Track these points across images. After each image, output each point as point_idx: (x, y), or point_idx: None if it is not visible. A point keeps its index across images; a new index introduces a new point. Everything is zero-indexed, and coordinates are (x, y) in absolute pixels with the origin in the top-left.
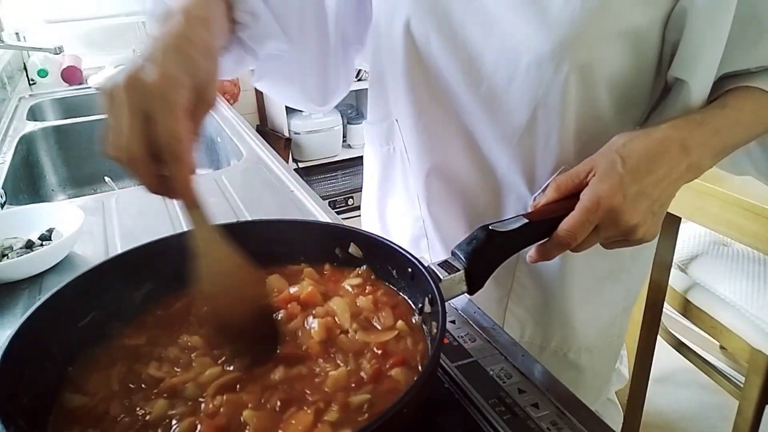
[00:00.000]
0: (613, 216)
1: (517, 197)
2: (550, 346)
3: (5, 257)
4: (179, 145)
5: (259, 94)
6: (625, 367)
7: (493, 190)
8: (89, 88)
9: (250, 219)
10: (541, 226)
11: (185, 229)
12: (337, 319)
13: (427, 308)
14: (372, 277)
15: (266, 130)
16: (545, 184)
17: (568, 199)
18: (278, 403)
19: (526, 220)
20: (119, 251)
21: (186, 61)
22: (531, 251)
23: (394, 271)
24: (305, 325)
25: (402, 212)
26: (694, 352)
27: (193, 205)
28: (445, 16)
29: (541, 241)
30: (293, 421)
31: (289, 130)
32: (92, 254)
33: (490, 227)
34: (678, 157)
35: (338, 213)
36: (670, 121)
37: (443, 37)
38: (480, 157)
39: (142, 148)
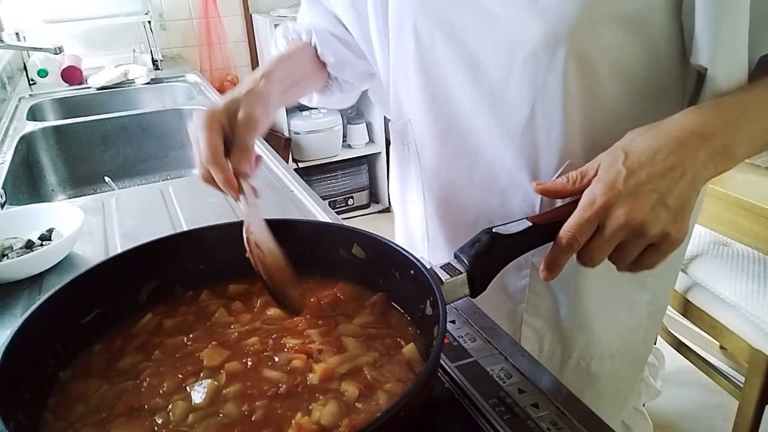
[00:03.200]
0: (613, 213)
1: (523, 197)
2: (573, 357)
3: (5, 257)
4: (247, 145)
5: None
6: (659, 381)
7: (498, 190)
8: (89, 88)
9: None
10: (545, 230)
11: (185, 229)
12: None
13: (429, 310)
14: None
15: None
16: (554, 176)
17: (574, 203)
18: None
19: (530, 224)
20: (119, 251)
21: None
22: (541, 268)
23: (397, 272)
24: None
25: (414, 211)
26: (694, 352)
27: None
28: (446, 16)
29: (548, 252)
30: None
31: (289, 130)
32: (92, 254)
33: (493, 230)
34: (692, 146)
35: (338, 213)
36: (684, 110)
37: (446, 36)
38: (485, 156)
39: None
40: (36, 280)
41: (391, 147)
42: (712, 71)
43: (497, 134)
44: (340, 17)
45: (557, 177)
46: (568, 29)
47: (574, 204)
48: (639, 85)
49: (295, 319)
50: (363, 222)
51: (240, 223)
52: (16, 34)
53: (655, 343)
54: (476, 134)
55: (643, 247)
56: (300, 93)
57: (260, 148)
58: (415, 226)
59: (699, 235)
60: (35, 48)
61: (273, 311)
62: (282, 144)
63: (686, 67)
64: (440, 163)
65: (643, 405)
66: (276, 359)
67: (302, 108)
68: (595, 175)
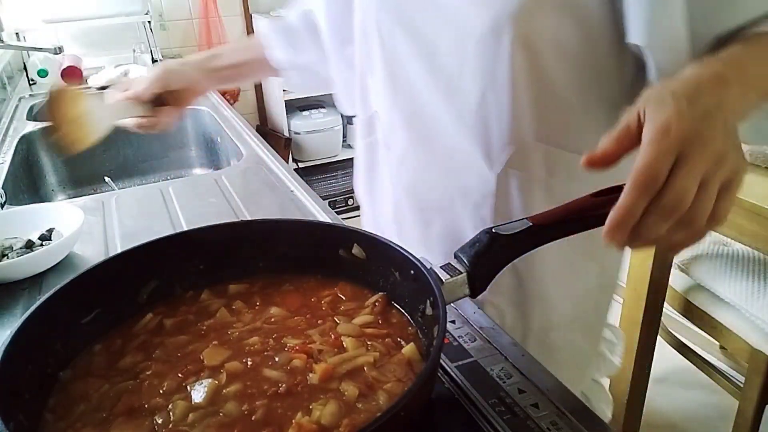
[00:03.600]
0: (691, 139)
1: (478, 177)
2: (533, 330)
3: (5, 257)
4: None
5: (259, 94)
6: (617, 357)
7: (456, 171)
8: (89, 88)
9: (250, 219)
10: (545, 230)
11: (185, 229)
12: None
13: (429, 310)
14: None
15: (266, 130)
16: (502, 162)
17: (573, 203)
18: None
19: (530, 224)
20: (119, 251)
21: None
22: (607, 229)
23: (397, 272)
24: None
25: (382, 197)
26: (694, 352)
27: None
28: (405, 12)
29: (615, 211)
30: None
31: (289, 130)
32: (92, 254)
33: (493, 230)
34: (718, 88)
35: (338, 213)
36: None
37: (405, 29)
38: (444, 140)
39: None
40: (36, 280)
41: (356, 141)
42: (649, 50)
43: (454, 120)
44: (319, 20)
45: (507, 158)
46: (511, 14)
47: (573, 204)
48: (581, 67)
49: (295, 318)
50: None
51: (240, 223)
52: (16, 34)
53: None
54: (436, 121)
55: (720, 183)
56: (245, 77)
57: (260, 148)
58: (384, 212)
59: None
60: (35, 48)
61: (274, 311)
62: (282, 144)
63: (624, 48)
64: (406, 150)
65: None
66: (276, 359)
67: (302, 108)
68: (640, 120)
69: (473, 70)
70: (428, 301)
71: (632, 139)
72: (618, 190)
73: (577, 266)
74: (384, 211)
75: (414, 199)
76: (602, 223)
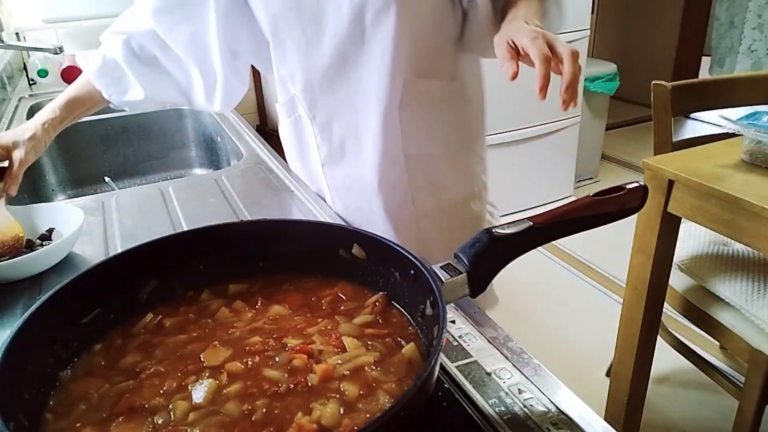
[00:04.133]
0: (540, 33)
1: (386, 112)
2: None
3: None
4: (17, 176)
5: (259, 94)
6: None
7: (367, 114)
8: None
9: (250, 219)
10: (545, 230)
11: (185, 229)
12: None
13: (429, 310)
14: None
15: (266, 130)
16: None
17: (570, 205)
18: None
19: (530, 223)
20: (119, 251)
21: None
22: (540, 88)
23: (397, 272)
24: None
25: (313, 162)
26: (694, 352)
27: None
28: (299, 3)
29: (539, 79)
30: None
31: None
32: (92, 254)
33: (493, 230)
34: (531, 16)
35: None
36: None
37: (295, 14)
38: (356, 90)
39: None
40: (36, 280)
41: (280, 125)
42: (479, 2)
43: (366, 72)
44: (180, 53)
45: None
46: None
47: (573, 204)
48: (435, 21)
49: (296, 318)
50: None
51: (240, 223)
52: (16, 34)
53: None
54: (348, 81)
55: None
56: (88, 113)
57: (260, 148)
58: (317, 176)
59: (699, 235)
60: (35, 48)
61: (274, 311)
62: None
63: (456, 5)
64: (331, 112)
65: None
66: (277, 359)
67: None
68: (517, 40)
69: (371, 34)
70: (428, 301)
71: (518, 52)
72: (618, 189)
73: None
74: (317, 175)
75: (339, 152)
76: (602, 223)
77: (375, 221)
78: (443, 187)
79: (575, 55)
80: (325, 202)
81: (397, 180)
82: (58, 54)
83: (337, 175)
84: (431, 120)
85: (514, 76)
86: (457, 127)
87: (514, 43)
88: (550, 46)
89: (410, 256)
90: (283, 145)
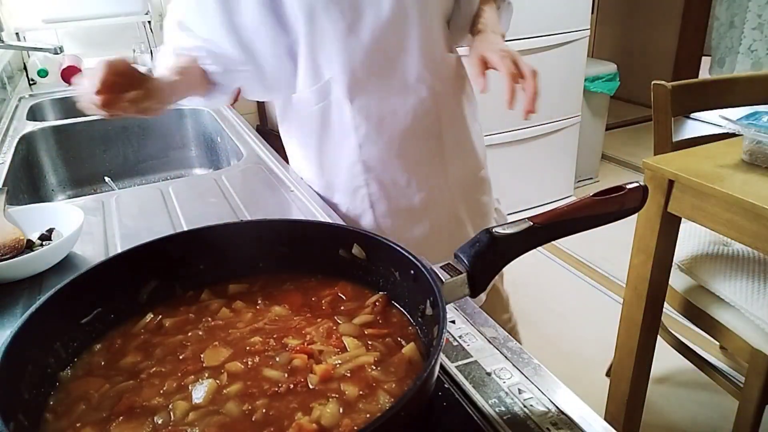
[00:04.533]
0: (507, 52)
1: (428, 92)
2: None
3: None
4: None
5: None
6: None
7: (407, 90)
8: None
9: (250, 219)
10: (545, 230)
11: (185, 229)
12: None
13: (429, 310)
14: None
15: (266, 130)
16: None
17: (570, 205)
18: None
19: (530, 224)
20: (119, 251)
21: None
22: (508, 99)
23: (397, 272)
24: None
25: (344, 145)
26: (694, 352)
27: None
28: None
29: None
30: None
31: None
32: (92, 254)
33: (493, 230)
34: (497, 34)
35: None
36: (482, 29)
37: (335, 4)
38: (403, 73)
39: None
40: (36, 280)
41: (291, 123)
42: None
43: (406, 48)
44: (216, 40)
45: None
46: None
47: (573, 204)
48: (442, 14)
49: (296, 318)
50: None
51: (240, 224)
52: (16, 34)
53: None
54: (396, 57)
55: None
56: (188, 94)
57: (260, 148)
58: (345, 157)
59: (699, 235)
60: (35, 48)
61: (274, 311)
62: (282, 144)
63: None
64: (371, 91)
65: None
66: (277, 359)
67: None
68: (487, 56)
69: (411, 9)
70: (428, 301)
71: (487, 66)
72: (618, 189)
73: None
74: (346, 155)
75: (379, 129)
76: (602, 223)
77: (410, 195)
78: (470, 155)
79: (535, 74)
80: (326, 202)
81: (433, 150)
82: (58, 54)
83: (374, 154)
84: (457, 90)
85: (485, 90)
86: (470, 96)
87: (484, 58)
88: (516, 65)
89: (410, 256)
90: (291, 138)
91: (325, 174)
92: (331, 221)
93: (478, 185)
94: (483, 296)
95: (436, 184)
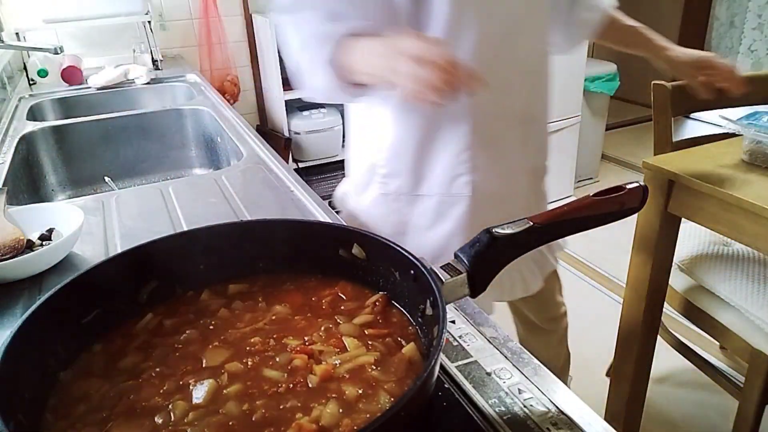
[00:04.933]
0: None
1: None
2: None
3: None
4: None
5: (259, 94)
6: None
7: (531, 83)
8: (89, 88)
9: (250, 219)
10: (545, 229)
11: (185, 229)
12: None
13: (429, 310)
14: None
15: (266, 130)
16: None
17: (570, 204)
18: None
19: (530, 223)
20: (119, 251)
21: None
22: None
23: (397, 272)
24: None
25: (452, 143)
26: (694, 352)
27: None
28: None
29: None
30: None
31: (289, 130)
32: (92, 254)
33: (493, 230)
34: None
35: (338, 213)
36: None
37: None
38: (526, 66)
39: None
40: (36, 280)
41: (393, 113)
42: None
43: (528, 40)
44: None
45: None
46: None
47: (573, 204)
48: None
49: (296, 318)
50: None
51: (240, 223)
52: (16, 34)
53: None
54: (519, 48)
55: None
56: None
57: (260, 148)
58: (453, 143)
59: (699, 235)
60: (35, 48)
61: (274, 311)
62: (282, 144)
63: None
64: (493, 81)
65: None
66: (277, 359)
67: (302, 108)
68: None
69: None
70: (428, 301)
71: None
72: (618, 189)
73: None
74: (452, 155)
75: (491, 127)
76: (602, 223)
77: (500, 182)
78: (544, 144)
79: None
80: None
81: (539, 146)
82: (58, 54)
83: (484, 140)
84: (549, 84)
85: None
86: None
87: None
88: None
89: (410, 256)
90: (382, 128)
91: (418, 167)
92: (331, 221)
93: (543, 174)
94: (541, 281)
95: (519, 171)
